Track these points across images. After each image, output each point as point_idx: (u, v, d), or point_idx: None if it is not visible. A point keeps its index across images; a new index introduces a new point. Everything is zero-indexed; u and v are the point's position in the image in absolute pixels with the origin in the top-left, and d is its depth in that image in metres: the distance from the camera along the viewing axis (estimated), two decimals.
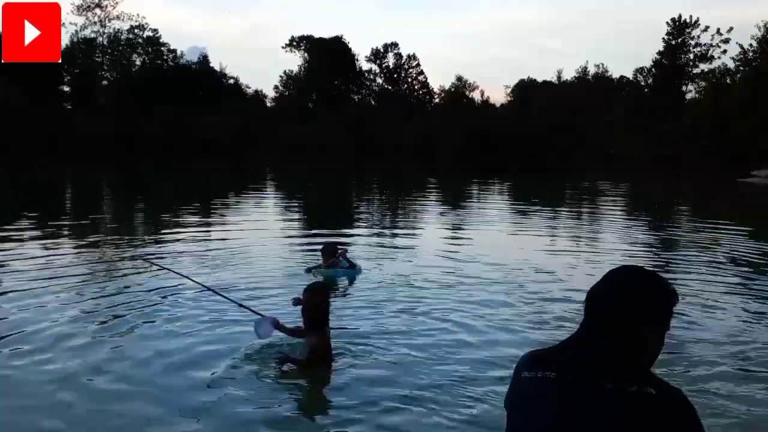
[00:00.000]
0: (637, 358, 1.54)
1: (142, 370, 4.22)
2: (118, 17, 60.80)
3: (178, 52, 65.20)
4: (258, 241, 10.04)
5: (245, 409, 3.68)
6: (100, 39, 61.13)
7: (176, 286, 6.28)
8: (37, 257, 8.16)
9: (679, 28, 63.41)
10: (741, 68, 58.93)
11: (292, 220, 14.88)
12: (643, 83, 66.29)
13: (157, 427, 3.47)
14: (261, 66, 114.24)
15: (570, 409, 1.50)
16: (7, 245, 9.12)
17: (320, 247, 7.84)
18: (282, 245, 10.00)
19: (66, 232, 11.28)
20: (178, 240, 10.06)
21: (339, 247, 7.74)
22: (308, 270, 7.39)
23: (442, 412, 3.69)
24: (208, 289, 4.79)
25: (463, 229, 13.01)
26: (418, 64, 73.19)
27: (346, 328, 5.13)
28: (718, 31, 61.60)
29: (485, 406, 3.72)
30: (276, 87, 71.97)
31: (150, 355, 4.47)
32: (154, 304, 5.81)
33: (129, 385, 3.98)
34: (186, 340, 4.81)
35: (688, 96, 64.01)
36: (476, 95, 71.10)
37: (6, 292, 6.18)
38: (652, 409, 1.44)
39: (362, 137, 59.08)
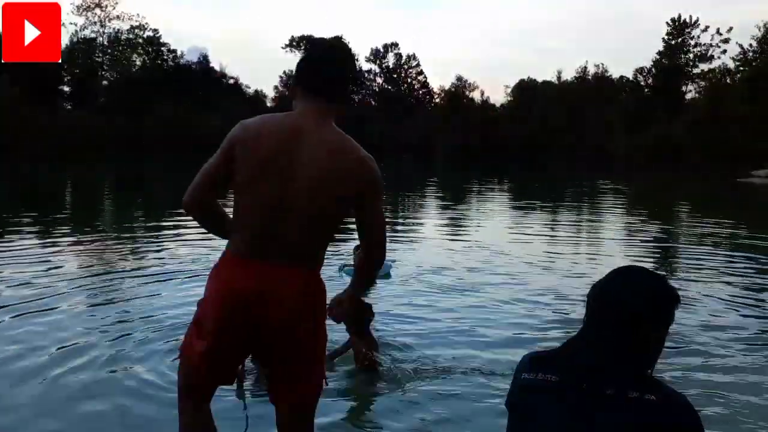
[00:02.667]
0: (640, 361, 1.53)
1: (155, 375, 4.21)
2: (118, 17, 60.71)
3: (178, 52, 65.24)
4: None
5: None
6: (100, 39, 61.13)
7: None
8: (33, 257, 8.16)
9: (679, 28, 63.43)
10: (741, 68, 58.96)
11: None
12: (643, 83, 66.31)
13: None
14: (261, 66, 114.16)
15: (569, 414, 1.49)
16: (5, 246, 9.13)
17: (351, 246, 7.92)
18: None
19: (65, 232, 11.27)
20: (179, 239, 10.06)
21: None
22: (340, 268, 7.43)
23: (444, 407, 3.70)
24: None
25: (465, 228, 13.01)
26: (418, 64, 73.25)
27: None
28: (718, 31, 61.70)
29: (490, 404, 3.72)
30: (276, 87, 72.06)
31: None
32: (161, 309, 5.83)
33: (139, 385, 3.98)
34: None
35: (688, 96, 64.07)
36: (476, 95, 71.23)
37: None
38: (653, 416, 1.43)
39: (362, 137, 58.81)
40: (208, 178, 2.18)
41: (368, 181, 2.15)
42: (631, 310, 1.53)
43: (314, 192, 2.06)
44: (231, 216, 2.22)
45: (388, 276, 7.37)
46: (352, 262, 7.41)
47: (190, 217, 2.30)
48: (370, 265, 2.32)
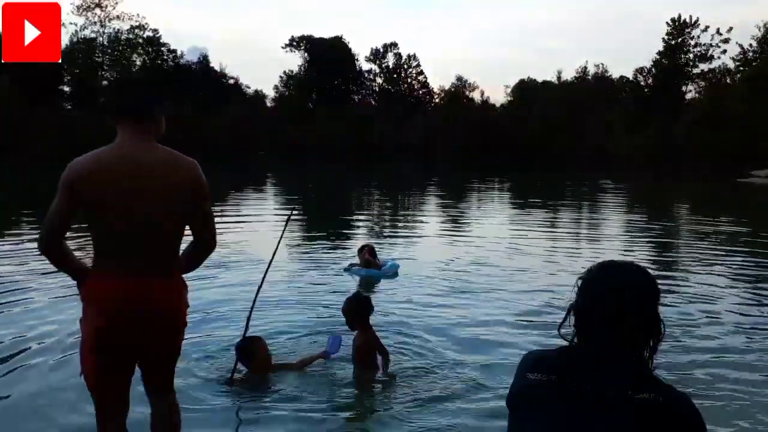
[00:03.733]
0: (638, 358, 1.53)
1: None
2: (118, 17, 60.68)
3: (178, 52, 65.21)
4: (267, 241, 10.02)
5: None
6: (100, 39, 61.09)
7: None
8: (29, 255, 8.16)
9: (679, 28, 63.37)
10: (741, 68, 58.91)
11: (295, 219, 14.86)
12: (643, 83, 66.25)
13: None
14: (261, 66, 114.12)
15: (571, 414, 1.48)
16: (5, 247, 9.13)
17: (353, 246, 7.94)
18: (293, 245, 9.97)
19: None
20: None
21: (366, 245, 7.77)
22: (347, 268, 7.43)
23: (444, 407, 3.70)
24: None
25: (467, 227, 13.01)
26: (418, 64, 73.16)
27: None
28: (718, 31, 61.60)
29: (491, 404, 3.72)
30: (276, 87, 72.02)
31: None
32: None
33: None
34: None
35: (688, 96, 64.01)
36: (476, 95, 71.16)
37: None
38: (655, 415, 1.42)
39: (362, 137, 59.08)
40: (59, 222, 2.37)
41: (195, 187, 2.43)
42: (615, 305, 1.52)
43: (153, 207, 2.33)
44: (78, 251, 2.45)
45: (395, 275, 7.36)
46: (358, 262, 7.47)
47: None
48: (199, 256, 2.59)
